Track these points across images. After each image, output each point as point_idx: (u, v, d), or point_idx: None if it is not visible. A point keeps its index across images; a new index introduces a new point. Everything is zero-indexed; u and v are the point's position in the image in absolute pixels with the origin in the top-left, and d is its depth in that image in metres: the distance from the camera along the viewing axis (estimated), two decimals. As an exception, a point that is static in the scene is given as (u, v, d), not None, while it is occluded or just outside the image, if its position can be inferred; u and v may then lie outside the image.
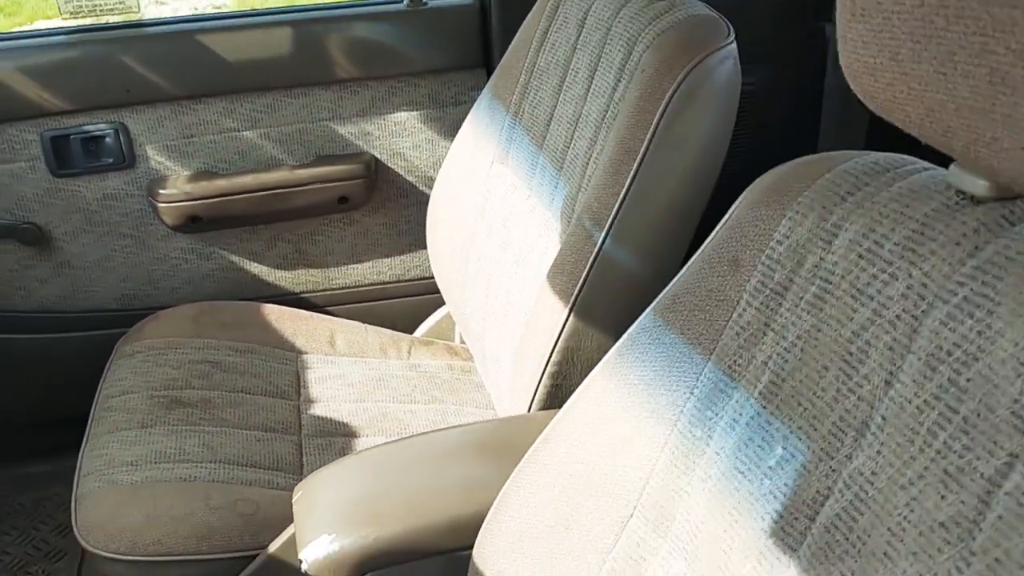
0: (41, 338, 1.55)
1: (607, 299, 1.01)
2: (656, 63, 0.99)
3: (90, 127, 1.47)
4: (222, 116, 1.52)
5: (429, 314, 1.62)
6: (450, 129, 1.57)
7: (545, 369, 1.03)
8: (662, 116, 0.97)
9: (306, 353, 1.44)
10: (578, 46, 1.18)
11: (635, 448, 0.67)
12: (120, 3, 1.41)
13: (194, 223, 1.53)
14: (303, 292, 1.65)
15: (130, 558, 1.02)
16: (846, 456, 0.52)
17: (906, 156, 0.58)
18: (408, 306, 1.68)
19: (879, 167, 0.58)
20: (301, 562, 0.85)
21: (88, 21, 1.47)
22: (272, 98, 1.53)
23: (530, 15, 1.31)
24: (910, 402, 0.49)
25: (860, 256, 0.55)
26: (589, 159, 1.09)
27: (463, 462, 0.92)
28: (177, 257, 1.57)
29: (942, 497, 0.46)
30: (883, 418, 0.51)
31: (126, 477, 1.10)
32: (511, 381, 1.10)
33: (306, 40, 1.51)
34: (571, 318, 1.01)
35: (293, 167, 1.56)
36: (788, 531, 0.55)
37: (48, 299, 1.54)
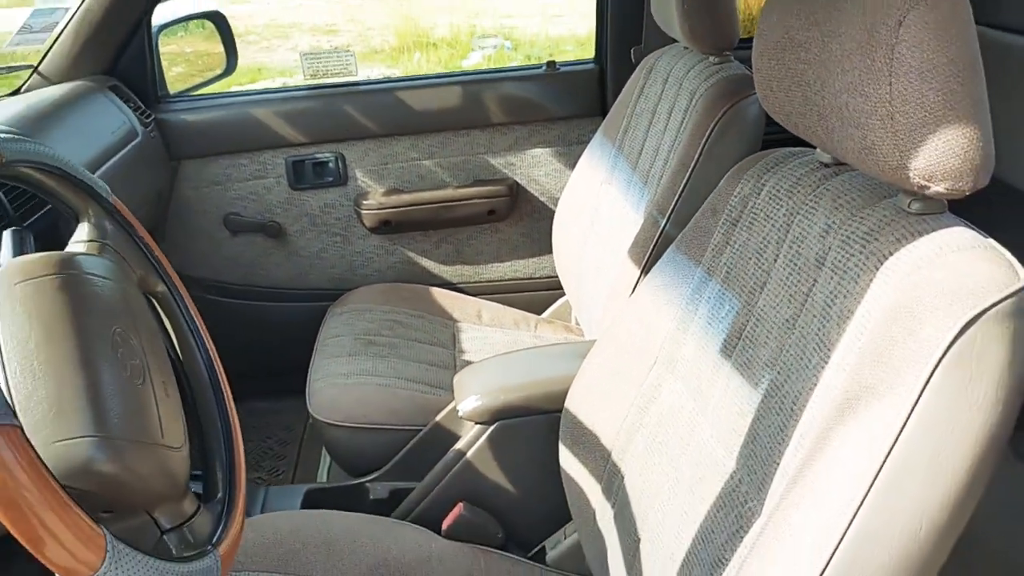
0: (274, 306, 2.15)
1: (667, 264, 1.48)
2: (704, 107, 1.47)
3: (319, 155, 2.07)
4: (408, 149, 2.09)
5: (552, 303, 2.11)
6: (573, 161, 2.08)
7: (624, 313, 1.50)
8: (706, 141, 1.45)
9: (460, 322, 1.96)
10: (662, 97, 1.67)
11: (656, 321, 1.13)
12: (344, 68, 2.02)
13: (385, 226, 2.10)
14: (459, 282, 2.19)
15: (345, 424, 1.55)
16: (755, 302, 0.98)
17: (808, 148, 1.04)
18: (537, 296, 2.19)
19: (791, 155, 1.04)
20: (458, 411, 1.35)
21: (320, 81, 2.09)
22: (444, 137, 2.10)
23: (632, 76, 1.81)
24: (782, 265, 0.95)
25: (770, 199, 1.01)
26: (662, 175, 1.56)
27: (561, 360, 1.41)
28: (371, 251, 2.15)
29: (787, 307, 0.91)
30: (771, 277, 0.96)
31: (341, 381, 1.64)
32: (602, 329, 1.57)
33: (470, 95, 2.07)
34: (642, 279, 1.48)
35: (456, 187, 2.11)
36: (728, 349, 1.00)
37: (280, 278, 2.15)
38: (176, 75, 2.52)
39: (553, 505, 1.33)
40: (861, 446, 0.71)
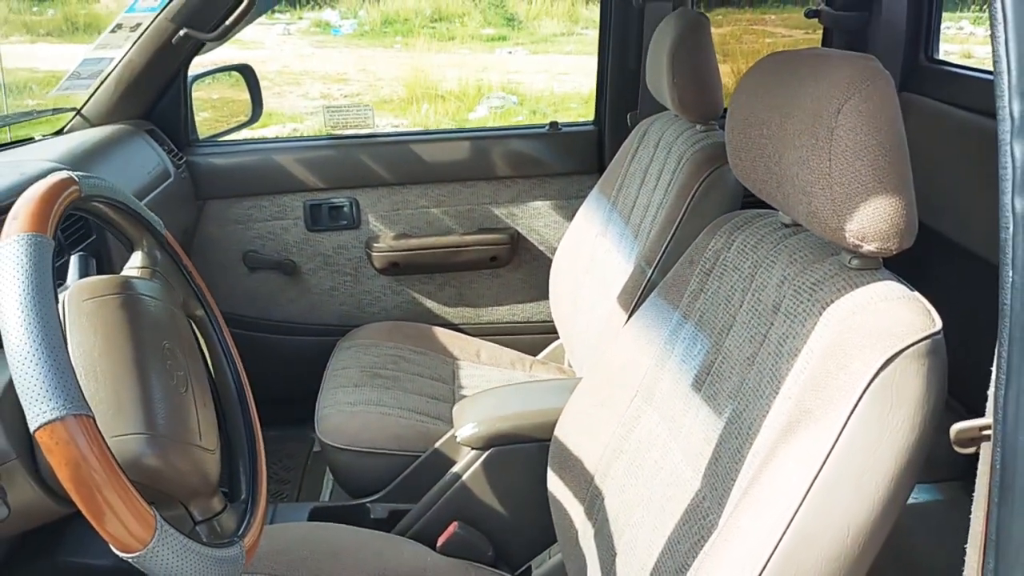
0: (286, 339, 2.28)
1: (652, 310, 1.61)
2: (689, 170, 1.62)
3: (335, 200, 2.22)
4: (418, 197, 2.25)
5: (548, 346, 2.25)
6: (571, 214, 2.23)
7: (611, 354, 1.63)
8: (690, 201, 1.60)
9: (459, 360, 2.09)
10: (654, 159, 1.83)
11: (638, 358, 1.27)
12: (363, 121, 2.18)
13: (394, 268, 2.25)
14: (460, 323, 2.32)
15: (349, 448, 1.67)
16: (722, 342, 1.11)
17: (774, 210, 1.18)
18: (533, 339, 2.32)
19: (758, 215, 1.19)
20: (456, 437, 1.48)
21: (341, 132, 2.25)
22: (452, 187, 2.25)
23: (628, 138, 1.97)
24: (746, 310, 1.09)
25: (738, 253, 1.15)
26: (651, 229, 1.71)
27: (552, 394, 1.53)
28: (380, 291, 2.29)
29: (748, 347, 1.05)
30: (737, 321, 1.10)
31: (347, 408, 1.76)
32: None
33: (478, 150, 2.23)
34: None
35: (461, 234, 2.26)
36: (698, 383, 1.13)
37: (293, 313, 2.28)
38: (202, 119, 2.69)
39: (540, 527, 1.44)
40: (799, 461, 0.84)
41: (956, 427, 0.80)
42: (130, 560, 0.78)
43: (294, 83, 8.79)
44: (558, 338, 2.16)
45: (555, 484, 1.36)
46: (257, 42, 10.09)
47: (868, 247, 0.88)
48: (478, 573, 1.38)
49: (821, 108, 0.89)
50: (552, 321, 2.11)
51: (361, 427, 1.70)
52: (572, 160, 2.26)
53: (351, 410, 1.76)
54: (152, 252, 1.13)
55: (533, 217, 2.28)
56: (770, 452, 0.89)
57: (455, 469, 1.50)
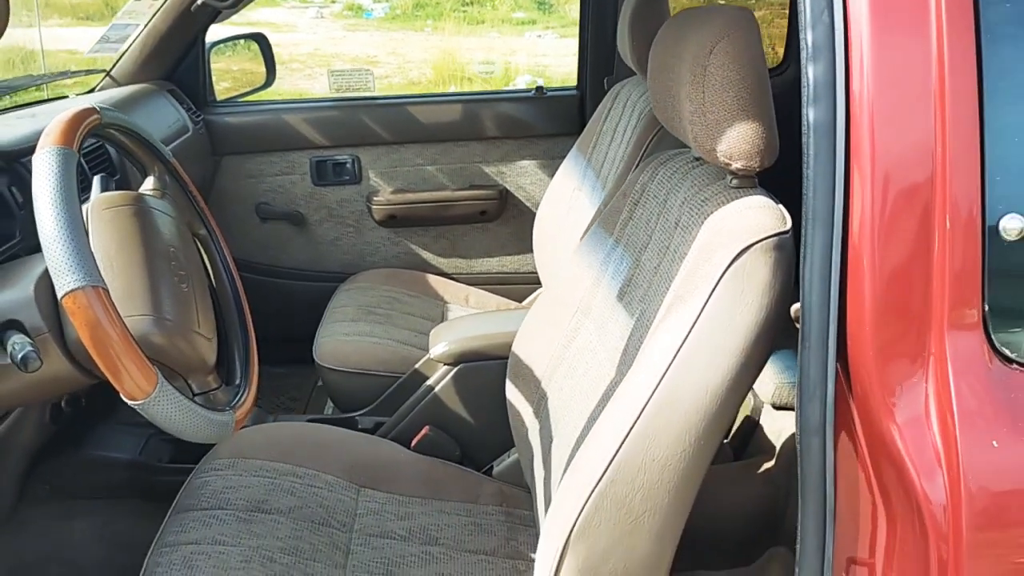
0: (293, 283, 2.51)
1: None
2: (644, 125, 1.81)
3: (338, 157, 2.44)
4: (415, 155, 2.46)
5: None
6: (555, 172, 2.43)
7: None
8: (644, 152, 1.79)
9: (449, 303, 2.29)
10: (621, 117, 2.02)
11: (580, 279, 1.46)
12: (364, 84, 2.39)
13: (392, 220, 2.46)
14: (453, 272, 2.53)
15: (341, 369, 1.89)
16: (640, 258, 1.31)
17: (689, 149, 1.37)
18: (518, 288, 2.51)
19: (678, 153, 1.37)
20: (431, 356, 1.69)
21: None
22: (445, 146, 2.46)
23: (603, 101, 2.16)
24: (659, 230, 1.28)
25: (658, 184, 1.34)
26: (614, 180, 1.90)
27: (515, 319, 1.73)
28: (379, 241, 2.50)
29: (657, 258, 1.24)
30: (652, 239, 1.29)
31: (342, 337, 1.98)
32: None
33: (469, 112, 2.43)
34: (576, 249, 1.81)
35: (454, 190, 2.47)
36: (622, 294, 1.33)
37: (301, 261, 2.51)
38: (222, 89, 2.91)
39: (501, 433, 1.65)
40: (669, 334, 1.04)
41: (794, 307, 0.99)
42: (136, 407, 0.98)
43: (325, 65, 9.00)
44: (542, 287, 2.35)
45: (511, 391, 1.56)
46: (290, 25, 10.34)
47: (736, 165, 1.07)
48: (446, 468, 1.59)
49: (699, 50, 1.08)
50: (537, 272, 2.31)
51: (352, 352, 1.92)
52: (556, 122, 2.46)
53: (345, 339, 1.97)
54: (163, 177, 1.34)
55: (520, 175, 2.48)
56: (652, 331, 1.09)
57: (429, 383, 1.71)
